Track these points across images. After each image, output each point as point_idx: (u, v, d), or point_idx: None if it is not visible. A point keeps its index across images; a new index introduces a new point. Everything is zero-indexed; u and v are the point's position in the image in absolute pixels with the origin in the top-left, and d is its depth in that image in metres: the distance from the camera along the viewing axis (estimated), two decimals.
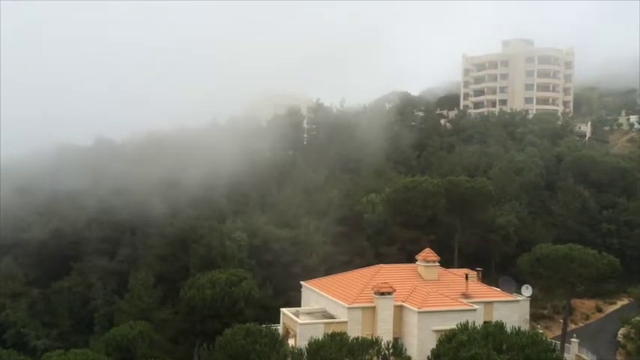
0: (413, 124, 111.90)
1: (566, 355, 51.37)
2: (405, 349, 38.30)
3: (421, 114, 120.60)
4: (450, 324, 37.89)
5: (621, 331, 57.89)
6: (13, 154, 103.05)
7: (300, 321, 43.60)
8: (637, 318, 53.12)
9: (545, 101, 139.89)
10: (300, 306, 50.92)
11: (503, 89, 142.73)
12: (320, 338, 35.55)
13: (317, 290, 49.42)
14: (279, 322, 47.45)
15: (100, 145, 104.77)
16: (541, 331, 46.07)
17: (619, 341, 56.96)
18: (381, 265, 51.51)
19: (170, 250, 62.38)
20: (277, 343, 37.54)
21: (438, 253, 50.97)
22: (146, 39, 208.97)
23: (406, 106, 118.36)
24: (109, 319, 58.87)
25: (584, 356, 53.21)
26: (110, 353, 45.14)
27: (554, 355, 33.25)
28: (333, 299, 46.07)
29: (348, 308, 43.62)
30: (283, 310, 47.91)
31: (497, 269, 66.36)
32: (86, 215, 75.42)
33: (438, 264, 49.83)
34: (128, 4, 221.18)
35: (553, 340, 41.45)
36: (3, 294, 64.48)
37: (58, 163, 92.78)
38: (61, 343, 57.03)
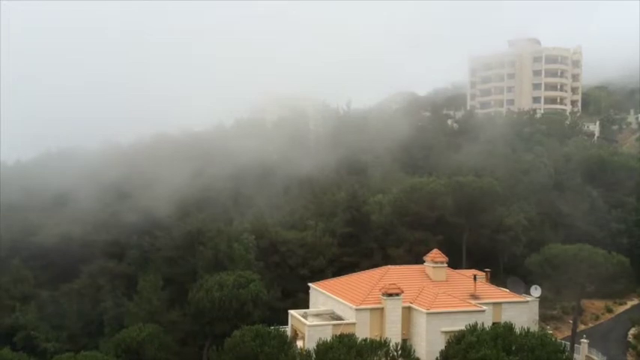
0: (420, 124, 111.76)
1: (576, 355, 51.11)
2: (414, 351, 38.23)
3: (428, 114, 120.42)
4: (459, 325, 37.84)
5: (631, 331, 57.64)
6: (21, 156, 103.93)
7: (308, 323, 43.59)
8: None
9: (553, 101, 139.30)
10: (308, 308, 50.88)
11: (510, 89, 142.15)
12: (328, 340, 35.55)
13: (325, 292, 49.39)
14: (287, 324, 47.44)
15: (107, 148, 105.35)
16: (550, 331, 45.85)
17: (629, 341, 56.65)
18: (389, 266, 51.41)
19: (178, 253, 62.46)
20: (285, 344, 37.62)
21: (446, 253, 50.82)
22: (151, 41, 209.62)
23: (413, 107, 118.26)
24: (118, 322, 58.97)
25: (594, 357, 52.88)
26: (119, 355, 45.35)
27: (564, 356, 33.17)
28: (341, 301, 46.03)
29: (356, 310, 43.55)
30: (291, 311, 47.91)
31: (506, 270, 65.99)
32: (94, 218, 75.76)
33: (446, 265, 49.69)
34: (136, 5, 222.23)
35: (563, 341, 41.30)
36: (12, 297, 64.81)
37: (66, 166, 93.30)
38: (71, 345, 57.25)
